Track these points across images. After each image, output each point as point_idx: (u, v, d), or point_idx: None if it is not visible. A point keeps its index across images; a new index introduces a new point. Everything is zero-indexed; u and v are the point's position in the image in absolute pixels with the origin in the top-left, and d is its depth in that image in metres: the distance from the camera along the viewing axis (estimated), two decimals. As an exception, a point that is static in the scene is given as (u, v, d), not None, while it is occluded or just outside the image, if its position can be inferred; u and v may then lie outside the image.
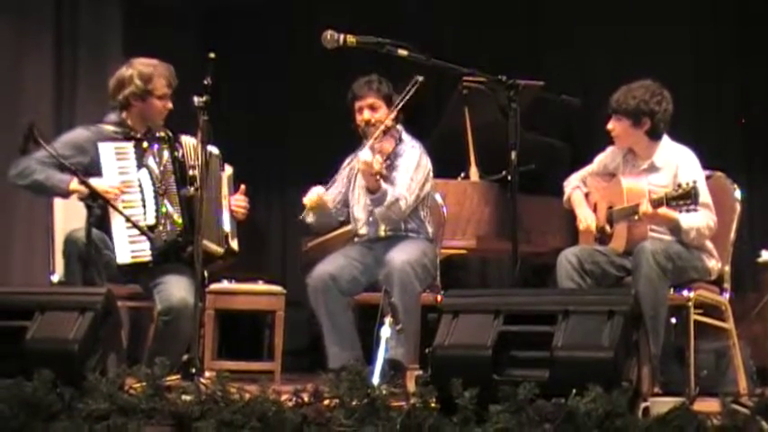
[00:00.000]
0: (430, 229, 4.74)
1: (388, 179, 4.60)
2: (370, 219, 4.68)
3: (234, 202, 4.57)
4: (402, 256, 4.43)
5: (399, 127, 4.72)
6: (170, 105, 4.50)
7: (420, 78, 4.42)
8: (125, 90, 4.44)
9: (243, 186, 4.60)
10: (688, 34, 6.58)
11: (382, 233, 4.70)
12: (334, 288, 4.52)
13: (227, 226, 4.51)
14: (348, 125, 4.71)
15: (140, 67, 4.47)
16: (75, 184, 4.21)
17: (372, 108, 4.66)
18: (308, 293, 4.55)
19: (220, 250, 4.44)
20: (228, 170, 4.61)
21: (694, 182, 4.16)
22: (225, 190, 4.55)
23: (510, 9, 6.74)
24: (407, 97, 4.52)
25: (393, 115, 4.61)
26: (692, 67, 6.48)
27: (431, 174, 4.73)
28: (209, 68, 4.02)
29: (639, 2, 6.52)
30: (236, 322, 6.14)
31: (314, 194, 4.63)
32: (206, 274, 4.43)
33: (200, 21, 6.94)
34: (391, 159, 4.65)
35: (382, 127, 4.58)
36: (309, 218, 4.71)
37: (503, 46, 6.56)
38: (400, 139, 4.70)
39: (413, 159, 4.64)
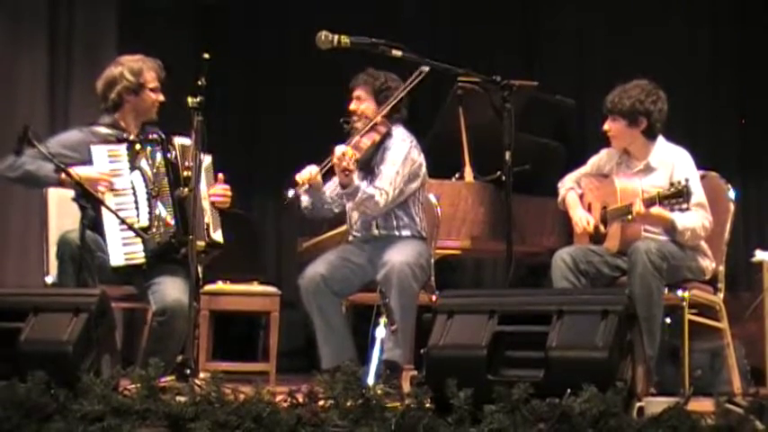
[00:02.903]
0: (423, 226, 4.71)
1: (375, 172, 4.56)
2: (363, 217, 4.67)
3: (213, 193, 4.49)
4: (400, 257, 4.41)
5: (395, 126, 4.68)
6: (162, 98, 4.49)
7: (425, 69, 4.33)
8: (117, 86, 4.43)
9: (221, 176, 4.53)
10: (684, 35, 6.59)
11: (375, 232, 4.68)
12: (326, 289, 4.50)
13: (206, 218, 4.44)
14: (345, 126, 4.69)
15: (129, 62, 4.46)
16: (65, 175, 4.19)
17: (358, 99, 4.65)
18: (300, 294, 4.54)
19: (202, 244, 4.41)
20: (207, 160, 4.48)
21: (686, 180, 4.16)
22: (203, 182, 4.44)
23: (505, 10, 6.75)
24: (410, 87, 4.47)
25: (382, 110, 4.55)
26: (687, 68, 6.49)
27: (422, 169, 4.67)
28: (203, 69, 4.01)
29: (635, 2, 6.53)
30: (231, 323, 6.14)
31: (306, 173, 4.53)
32: (201, 275, 4.42)
33: (196, 22, 6.94)
34: (380, 153, 4.62)
35: (370, 123, 4.54)
36: (304, 200, 4.64)
37: (497, 46, 6.57)
38: (389, 134, 4.65)
39: (401, 153, 4.58)
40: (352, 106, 4.66)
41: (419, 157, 4.66)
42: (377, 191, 4.49)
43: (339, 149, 4.41)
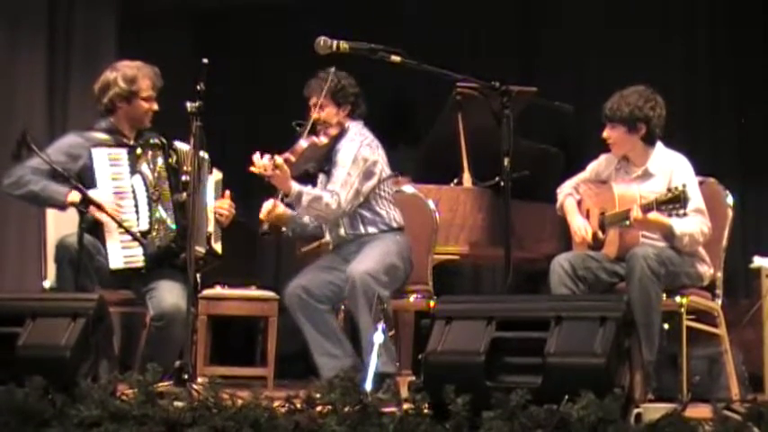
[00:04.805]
0: (392, 217, 4.63)
1: (329, 176, 4.55)
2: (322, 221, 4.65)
3: (218, 207, 4.51)
4: (360, 267, 4.36)
5: (351, 123, 4.62)
6: (156, 107, 4.48)
7: (332, 69, 4.45)
8: (109, 92, 4.42)
9: (228, 192, 4.56)
10: (682, 37, 6.59)
11: (343, 233, 4.63)
12: (310, 299, 4.48)
13: (210, 227, 4.46)
14: (297, 129, 4.65)
15: (124, 69, 4.45)
16: (72, 195, 4.19)
17: (317, 106, 4.59)
18: (288, 310, 4.53)
19: (202, 251, 4.40)
20: (218, 175, 4.57)
21: (684, 185, 4.16)
22: (211, 194, 4.50)
23: (503, 15, 6.75)
24: (324, 92, 4.52)
25: (318, 113, 4.55)
26: (685, 71, 6.49)
27: (378, 166, 4.57)
28: (202, 74, 4.01)
29: (633, 5, 6.53)
30: (229, 328, 6.13)
31: (264, 210, 4.54)
32: (199, 279, 4.42)
33: (195, 26, 6.94)
34: (331, 156, 4.58)
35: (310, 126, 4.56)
36: (284, 228, 4.66)
37: (496, 51, 6.57)
38: (342, 135, 4.60)
39: (349, 153, 4.52)
40: (315, 116, 4.59)
41: (372, 155, 4.57)
42: (327, 193, 4.46)
43: (257, 160, 4.39)
